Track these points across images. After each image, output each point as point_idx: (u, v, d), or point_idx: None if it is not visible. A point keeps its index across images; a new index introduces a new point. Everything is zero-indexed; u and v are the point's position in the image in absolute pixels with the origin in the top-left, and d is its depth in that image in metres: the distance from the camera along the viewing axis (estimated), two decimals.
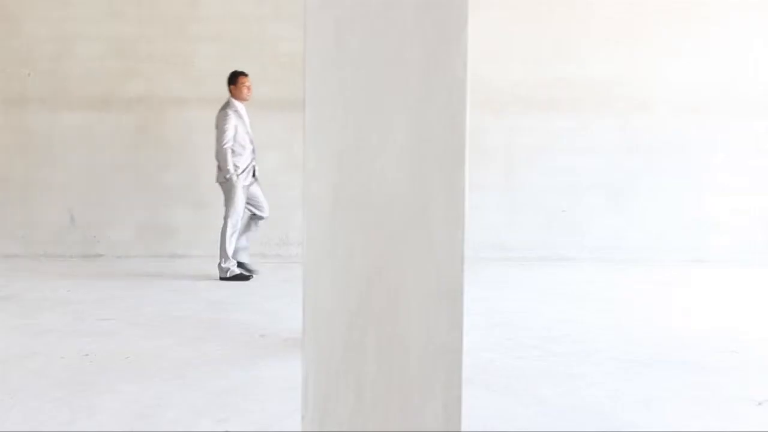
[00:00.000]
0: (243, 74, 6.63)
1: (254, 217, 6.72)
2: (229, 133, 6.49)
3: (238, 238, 6.62)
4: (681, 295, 6.24)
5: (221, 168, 6.56)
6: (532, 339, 4.66)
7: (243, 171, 6.56)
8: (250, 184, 6.64)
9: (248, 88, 6.62)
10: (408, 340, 1.83)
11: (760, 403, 3.53)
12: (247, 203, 6.63)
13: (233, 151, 6.51)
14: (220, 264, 6.55)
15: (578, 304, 5.73)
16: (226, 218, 6.54)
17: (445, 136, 1.82)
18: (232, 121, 6.50)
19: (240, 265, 6.63)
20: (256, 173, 6.71)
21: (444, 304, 1.83)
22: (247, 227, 6.71)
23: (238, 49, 7.63)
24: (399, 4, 1.80)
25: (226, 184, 6.53)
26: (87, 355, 4.20)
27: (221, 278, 6.52)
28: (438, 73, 1.81)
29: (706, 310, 5.64)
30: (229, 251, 6.51)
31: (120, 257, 7.65)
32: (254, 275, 6.63)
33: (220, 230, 6.56)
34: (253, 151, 6.65)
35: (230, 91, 6.62)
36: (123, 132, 7.70)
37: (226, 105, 6.60)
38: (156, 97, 7.68)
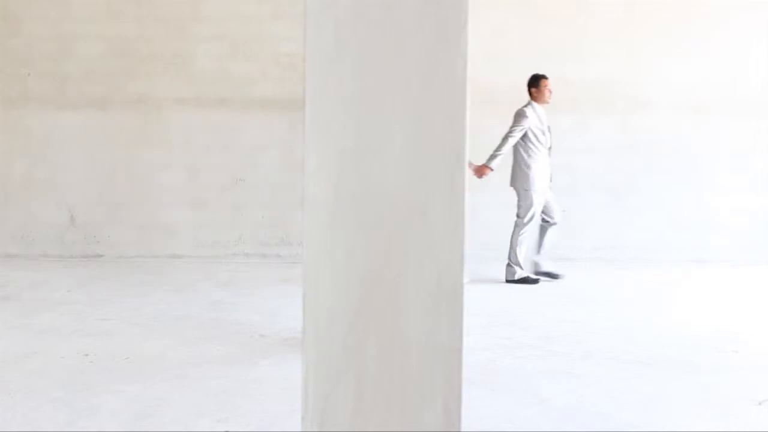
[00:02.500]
0: (544, 77, 6.58)
1: (545, 223, 6.61)
2: (517, 133, 6.44)
3: (536, 248, 6.58)
4: (681, 295, 6.23)
5: (517, 170, 6.53)
6: (532, 339, 4.66)
7: (539, 174, 6.48)
8: (546, 189, 6.56)
9: (550, 91, 6.57)
10: (408, 340, 1.83)
11: (760, 403, 3.53)
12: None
13: (528, 153, 6.48)
14: (508, 265, 6.51)
15: (578, 304, 5.73)
16: (518, 221, 6.50)
17: (445, 136, 1.82)
18: (527, 122, 6.46)
19: (545, 273, 6.58)
20: (551, 178, 6.64)
21: (444, 304, 1.83)
22: (541, 234, 6.63)
23: (238, 49, 7.63)
24: (399, 4, 1.80)
25: (522, 187, 6.49)
26: (87, 355, 4.20)
27: (507, 280, 6.48)
28: (438, 73, 1.81)
29: (707, 310, 5.64)
30: (520, 258, 6.46)
31: (120, 257, 7.65)
32: (559, 278, 6.54)
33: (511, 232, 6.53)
34: (549, 155, 6.59)
35: (531, 93, 6.59)
36: (123, 132, 7.70)
37: (526, 105, 6.56)
38: (156, 97, 7.67)
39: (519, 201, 6.54)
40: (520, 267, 6.49)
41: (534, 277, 6.54)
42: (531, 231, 6.55)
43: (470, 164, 6.43)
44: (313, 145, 1.82)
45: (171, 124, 7.69)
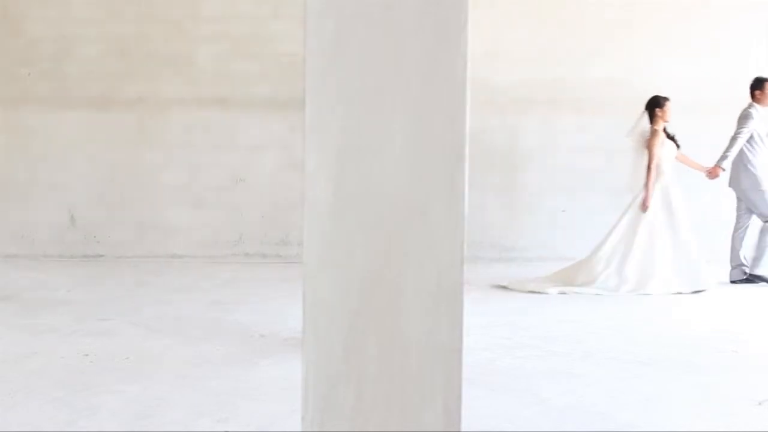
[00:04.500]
0: None
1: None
2: (745, 134, 6.48)
3: (759, 248, 6.60)
4: (681, 295, 6.23)
5: (742, 170, 6.55)
6: (532, 339, 4.65)
7: (764, 173, 6.53)
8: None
9: None
10: (408, 340, 1.83)
11: (760, 403, 3.53)
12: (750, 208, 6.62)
13: (753, 154, 6.52)
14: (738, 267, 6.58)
15: (578, 304, 5.73)
16: (765, 225, 6.54)
17: (445, 136, 1.82)
18: (753, 123, 6.50)
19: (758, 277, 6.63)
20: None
21: (444, 304, 1.83)
22: (763, 235, 6.65)
23: (238, 49, 7.63)
24: (399, 4, 1.80)
25: (754, 188, 6.52)
26: (87, 355, 4.19)
27: (731, 281, 6.56)
28: (438, 73, 1.81)
29: (707, 311, 5.64)
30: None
31: (120, 257, 7.65)
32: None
33: (759, 231, 6.57)
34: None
35: (754, 95, 6.61)
36: (123, 132, 7.70)
37: (749, 107, 6.59)
38: (156, 97, 7.67)
39: (755, 205, 6.56)
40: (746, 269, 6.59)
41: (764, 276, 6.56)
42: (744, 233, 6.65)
43: (701, 167, 6.60)
44: (313, 145, 1.82)
45: (171, 124, 7.69)
